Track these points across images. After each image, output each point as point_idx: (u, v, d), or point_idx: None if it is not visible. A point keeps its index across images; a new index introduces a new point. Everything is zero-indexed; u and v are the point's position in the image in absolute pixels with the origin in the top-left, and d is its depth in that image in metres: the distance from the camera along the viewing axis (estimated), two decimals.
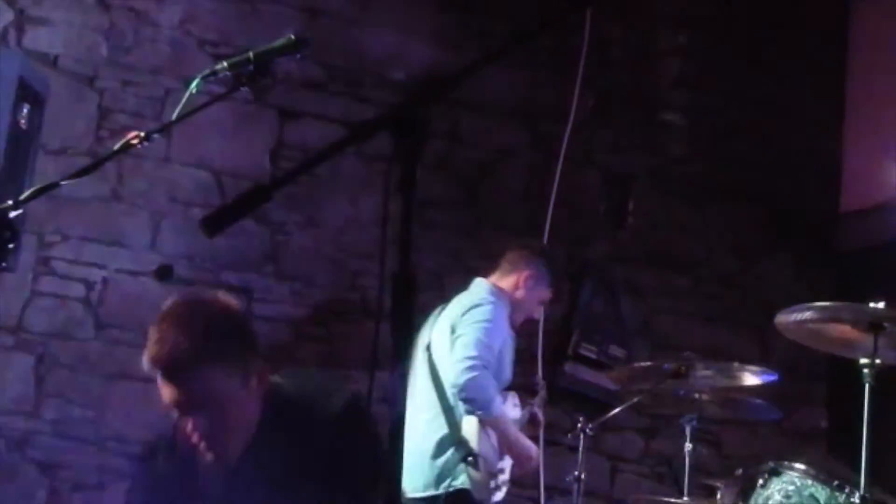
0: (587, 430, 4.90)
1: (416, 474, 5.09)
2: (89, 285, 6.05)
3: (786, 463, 4.54)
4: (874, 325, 4.21)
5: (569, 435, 5.15)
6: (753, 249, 7.13)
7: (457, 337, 5.17)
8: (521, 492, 6.14)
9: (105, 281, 6.07)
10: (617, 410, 5.02)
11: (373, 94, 6.47)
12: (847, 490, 4.19)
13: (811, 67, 7.37)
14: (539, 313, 5.78)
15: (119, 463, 5.87)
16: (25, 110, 4.79)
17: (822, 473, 4.37)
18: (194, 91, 3.06)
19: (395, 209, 1.92)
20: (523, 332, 6.51)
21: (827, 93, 7.38)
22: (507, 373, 5.38)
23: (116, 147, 3.04)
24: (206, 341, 2.95)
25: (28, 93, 4.83)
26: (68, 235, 6.01)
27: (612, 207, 6.89)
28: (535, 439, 5.25)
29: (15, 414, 5.86)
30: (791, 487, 4.32)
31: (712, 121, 7.18)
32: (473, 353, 5.05)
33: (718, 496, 5.06)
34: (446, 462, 5.10)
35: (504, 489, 5.30)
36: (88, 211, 6.02)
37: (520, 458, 5.25)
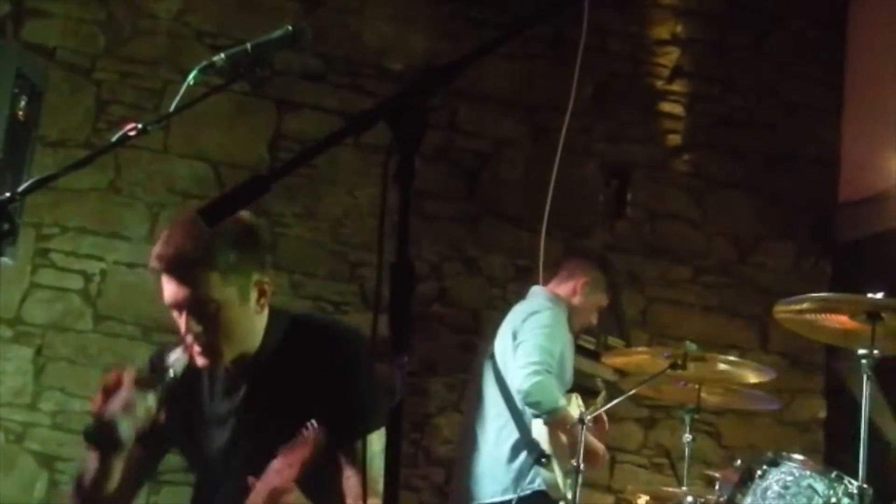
0: (586, 421, 4.90)
1: (493, 480, 5.27)
2: (88, 277, 6.05)
3: (784, 453, 4.54)
4: (872, 315, 4.22)
5: (569, 426, 5.15)
6: (752, 239, 7.13)
7: (518, 343, 5.28)
8: None
9: (103, 273, 6.07)
10: (616, 401, 5.02)
11: (371, 85, 6.47)
12: (845, 481, 4.19)
13: (810, 57, 7.37)
14: (595, 319, 5.84)
15: None
16: (23, 102, 4.79)
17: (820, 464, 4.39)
18: (192, 83, 3.06)
19: (393, 200, 1.92)
20: None
21: (825, 82, 7.37)
22: (569, 375, 5.49)
23: (114, 139, 3.04)
24: (209, 247, 3.08)
25: (26, 85, 4.83)
26: (66, 227, 6.01)
27: (611, 197, 6.89)
28: (599, 439, 5.37)
29: (14, 406, 5.86)
30: (789, 478, 4.32)
31: (711, 110, 7.17)
32: (536, 358, 5.16)
33: (717, 487, 5.06)
34: (521, 465, 5.20)
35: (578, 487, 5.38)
36: (87, 203, 6.02)
37: (588, 457, 5.33)
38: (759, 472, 4.50)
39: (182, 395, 3.30)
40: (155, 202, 6.13)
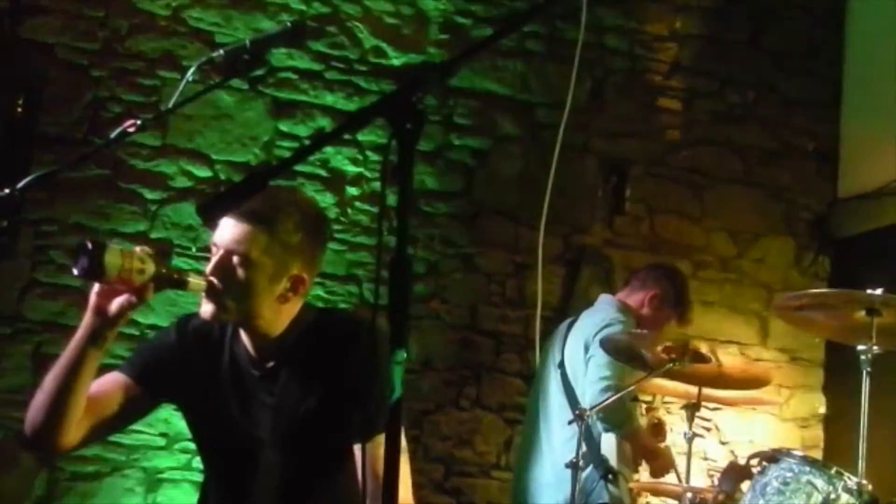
0: (586, 417, 4.91)
1: (557, 490, 5.28)
2: None
3: (784, 449, 4.55)
4: (872, 310, 4.23)
5: (569, 422, 5.15)
6: (751, 235, 7.13)
7: (590, 357, 5.30)
8: None
9: None
10: (615, 397, 5.01)
11: (369, 82, 6.46)
12: (845, 477, 4.20)
13: (808, 52, 7.37)
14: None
15: (117, 453, 5.87)
16: (22, 99, 4.79)
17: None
18: (190, 79, 3.07)
19: (392, 197, 1.92)
20: (520, 318, 6.53)
21: (824, 77, 7.38)
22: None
23: (113, 135, 3.05)
24: (277, 213, 3.13)
25: (25, 81, 4.83)
26: (65, 224, 5.99)
27: (610, 193, 6.88)
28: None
29: (13, 404, 5.84)
30: (789, 474, 4.33)
31: (709, 106, 7.17)
32: (607, 373, 5.19)
33: (716, 483, 5.07)
34: (587, 478, 5.22)
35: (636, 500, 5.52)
36: (85, 199, 6.01)
37: (657, 468, 5.41)
38: (758, 468, 4.51)
39: (197, 350, 3.33)
40: (153, 199, 6.12)
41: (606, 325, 5.38)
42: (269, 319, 3.22)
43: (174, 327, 3.41)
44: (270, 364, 3.26)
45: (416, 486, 6.32)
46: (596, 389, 5.13)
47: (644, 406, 5.69)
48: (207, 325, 3.26)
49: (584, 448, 5.21)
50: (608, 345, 5.14)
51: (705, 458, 6.67)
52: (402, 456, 3.04)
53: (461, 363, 6.50)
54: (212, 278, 3.12)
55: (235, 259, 3.12)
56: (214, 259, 3.15)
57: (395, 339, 1.92)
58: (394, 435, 1.99)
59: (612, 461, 5.27)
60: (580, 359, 5.37)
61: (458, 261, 6.57)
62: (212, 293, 3.13)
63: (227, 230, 3.13)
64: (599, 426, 5.20)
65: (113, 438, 5.84)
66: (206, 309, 3.16)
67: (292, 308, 3.26)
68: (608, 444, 5.29)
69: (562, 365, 5.52)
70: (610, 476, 5.20)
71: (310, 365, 3.24)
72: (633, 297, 5.70)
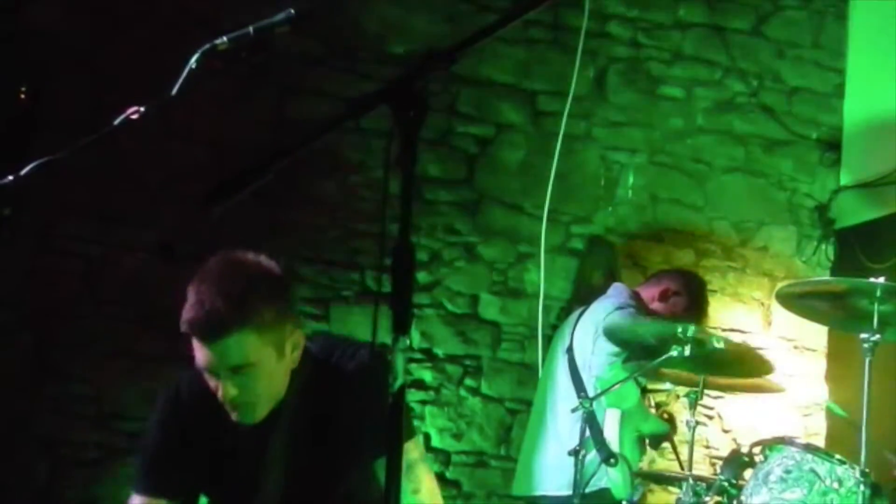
0: (587, 405, 4.91)
1: (561, 473, 5.35)
2: (89, 261, 6.04)
3: (786, 437, 4.55)
4: (874, 299, 4.23)
5: (571, 410, 5.16)
6: (754, 223, 7.13)
7: (598, 335, 5.39)
8: None
9: (105, 257, 6.05)
10: (617, 385, 5.02)
11: (372, 69, 6.45)
12: (847, 465, 4.20)
13: (811, 41, 7.37)
14: None
15: (119, 440, 5.87)
16: (25, 87, 4.79)
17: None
18: (194, 66, 3.06)
19: (394, 185, 1.92)
20: (522, 307, 6.53)
21: (827, 66, 7.38)
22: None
23: (116, 122, 3.05)
24: (244, 305, 2.99)
25: (28, 69, 4.83)
26: (68, 211, 5.99)
27: (612, 182, 6.88)
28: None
29: (15, 391, 5.85)
30: (791, 462, 4.33)
31: (712, 95, 7.17)
32: (615, 348, 5.29)
33: (719, 470, 5.07)
34: (590, 462, 5.24)
35: (641, 488, 5.50)
36: (88, 187, 6.00)
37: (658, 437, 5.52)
38: (760, 457, 4.51)
39: (198, 414, 3.27)
40: (156, 186, 6.11)
41: (618, 308, 5.50)
42: (285, 382, 3.20)
43: (166, 401, 3.35)
44: (276, 412, 3.21)
45: None
46: (603, 362, 5.25)
47: (654, 401, 5.70)
48: (203, 379, 3.18)
49: (587, 433, 5.26)
50: (614, 332, 5.21)
51: (707, 447, 6.69)
52: (424, 465, 3.05)
53: (462, 353, 6.50)
54: (231, 404, 3.09)
55: (241, 373, 3.05)
56: (224, 386, 3.07)
57: (398, 326, 1.92)
58: (395, 423, 1.98)
59: (614, 445, 5.31)
60: (589, 343, 5.42)
61: (460, 249, 6.57)
62: (238, 410, 3.11)
63: (215, 354, 3.02)
64: (604, 401, 5.22)
65: (114, 425, 5.85)
66: (245, 419, 3.14)
67: (296, 362, 3.23)
68: (610, 428, 5.32)
69: (570, 350, 5.59)
70: (611, 460, 5.24)
71: (314, 408, 3.21)
72: (646, 290, 5.86)
